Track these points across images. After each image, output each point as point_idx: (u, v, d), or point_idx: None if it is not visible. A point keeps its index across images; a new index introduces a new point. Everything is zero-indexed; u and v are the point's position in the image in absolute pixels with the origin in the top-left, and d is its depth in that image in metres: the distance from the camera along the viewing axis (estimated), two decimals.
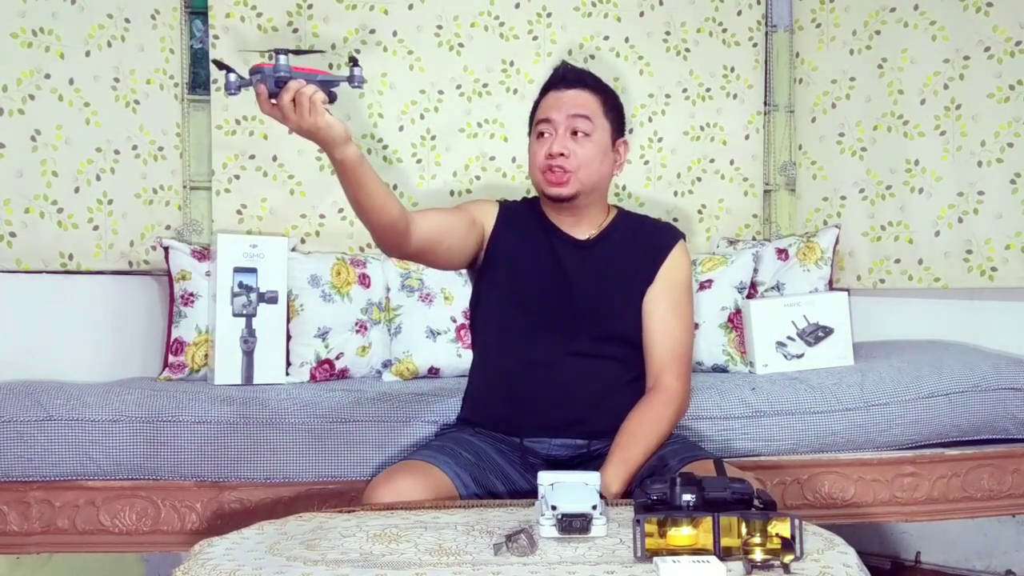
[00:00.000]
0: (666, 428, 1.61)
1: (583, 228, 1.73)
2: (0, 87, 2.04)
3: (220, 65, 1.36)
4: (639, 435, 1.56)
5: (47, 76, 2.12)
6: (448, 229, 1.63)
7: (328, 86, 1.34)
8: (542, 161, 1.65)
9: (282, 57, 1.30)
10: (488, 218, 1.73)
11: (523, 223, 1.74)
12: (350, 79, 1.36)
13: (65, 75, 2.15)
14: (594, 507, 1.19)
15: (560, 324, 1.66)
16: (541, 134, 1.67)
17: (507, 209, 1.77)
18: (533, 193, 1.83)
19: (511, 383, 1.66)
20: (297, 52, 1.33)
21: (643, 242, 1.73)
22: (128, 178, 2.28)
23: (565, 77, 1.70)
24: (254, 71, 1.31)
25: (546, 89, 1.72)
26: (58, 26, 2.14)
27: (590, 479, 1.27)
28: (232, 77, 1.32)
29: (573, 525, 1.18)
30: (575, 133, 1.64)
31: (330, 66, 2.44)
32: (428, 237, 1.58)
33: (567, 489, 1.23)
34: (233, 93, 1.34)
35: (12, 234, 2.06)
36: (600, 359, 1.65)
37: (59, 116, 2.14)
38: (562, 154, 1.63)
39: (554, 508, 1.19)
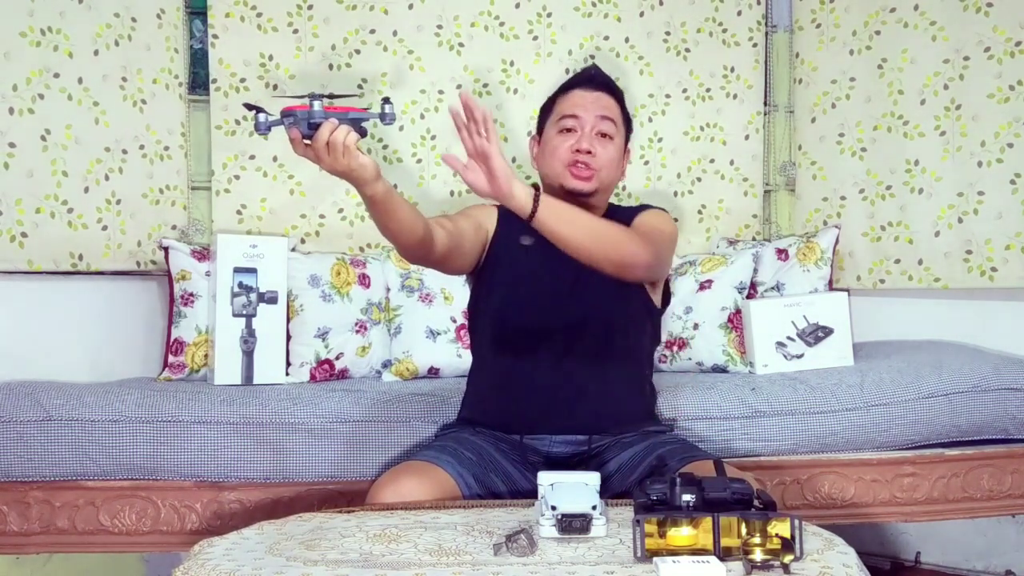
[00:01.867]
0: (615, 233, 1.52)
1: None
2: (10, 86, 2.03)
3: (250, 107, 1.36)
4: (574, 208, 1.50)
5: (56, 75, 2.11)
6: (463, 234, 1.65)
7: (359, 123, 1.35)
8: (568, 155, 1.68)
9: (316, 102, 1.31)
10: (490, 222, 1.75)
11: (521, 223, 1.74)
12: (382, 116, 1.37)
13: (74, 74, 2.14)
14: (594, 507, 1.20)
15: (559, 322, 1.66)
16: (566, 129, 1.69)
17: (505, 211, 1.76)
18: None
19: (510, 381, 1.66)
20: (332, 96, 1.34)
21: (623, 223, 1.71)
22: (135, 178, 2.28)
23: (594, 79, 1.74)
24: (286, 114, 1.32)
25: (571, 86, 1.75)
26: (66, 25, 2.13)
27: (590, 479, 1.27)
28: (262, 117, 1.33)
29: (573, 525, 1.18)
30: (601, 134, 1.69)
31: (330, 66, 2.44)
32: (448, 244, 1.59)
33: (567, 489, 1.23)
34: (263, 133, 1.34)
35: (23, 234, 2.05)
36: (599, 355, 1.66)
37: (68, 115, 2.13)
38: (590, 152, 1.66)
39: (554, 508, 1.19)
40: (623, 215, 1.75)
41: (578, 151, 1.67)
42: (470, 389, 1.78)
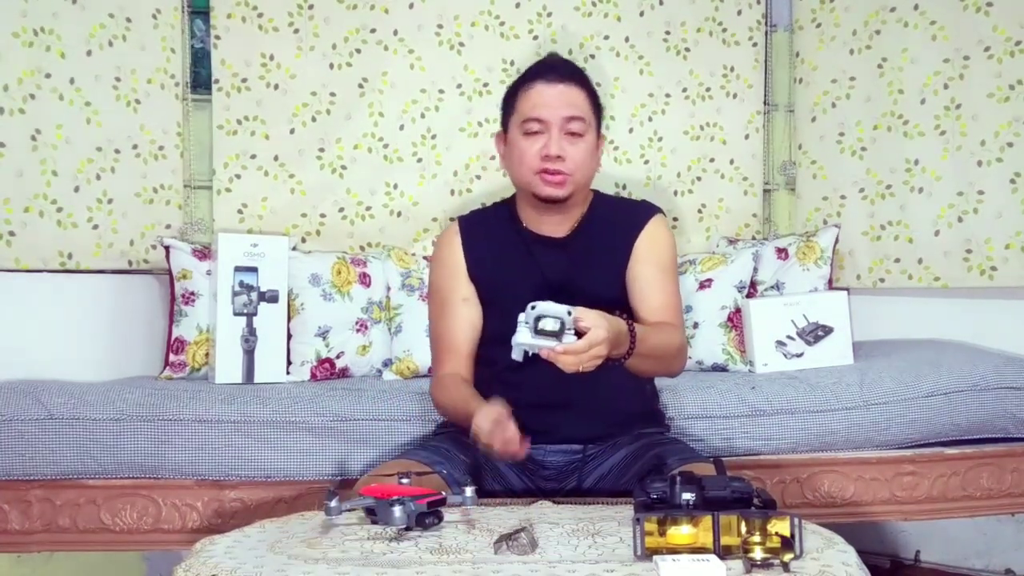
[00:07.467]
0: (675, 347, 1.59)
1: (563, 225, 1.68)
2: (1, 86, 2.04)
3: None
4: (650, 330, 1.51)
5: (47, 76, 2.12)
6: (475, 321, 1.68)
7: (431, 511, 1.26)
8: (536, 162, 1.59)
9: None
10: (460, 267, 1.69)
11: (494, 233, 1.69)
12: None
13: (66, 75, 2.15)
14: (569, 313, 1.29)
15: None
16: (532, 132, 1.59)
17: (470, 230, 1.71)
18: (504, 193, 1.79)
19: (506, 396, 1.60)
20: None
21: (619, 226, 1.68)
22: (128, 177, 2.28)
23: (557, 68, 1.62)
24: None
25: (532, 77, 1.61)
26: (59, 25, 2.14)
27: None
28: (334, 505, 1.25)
29: (546, 329, 1.27)
30: (570, 134, 1.58)
31: (330, 66, 2.44)
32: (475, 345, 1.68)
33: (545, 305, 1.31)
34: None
35: (11, 233, 2.06)
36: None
37: (59, 115, 2.14)
38: (559, 156, 1.57)
39: (533, 308, 1.29)
40: (618, 213, 1.69)
41: (547, 157, 1.57)
42: None
